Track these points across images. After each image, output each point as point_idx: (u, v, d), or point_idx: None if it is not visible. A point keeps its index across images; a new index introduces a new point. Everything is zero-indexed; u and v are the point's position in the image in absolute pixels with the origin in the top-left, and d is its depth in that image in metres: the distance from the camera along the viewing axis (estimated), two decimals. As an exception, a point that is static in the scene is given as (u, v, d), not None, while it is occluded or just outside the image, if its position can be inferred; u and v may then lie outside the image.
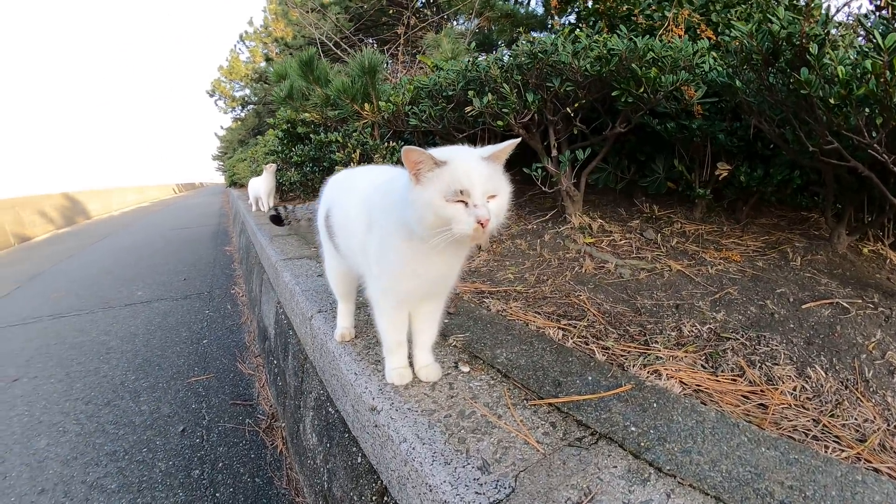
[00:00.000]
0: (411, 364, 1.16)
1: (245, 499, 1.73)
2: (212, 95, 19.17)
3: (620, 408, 1.03)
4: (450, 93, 2.51)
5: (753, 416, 1.23)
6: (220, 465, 1.92)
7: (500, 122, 2.19)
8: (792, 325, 1.59)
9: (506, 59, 2.25)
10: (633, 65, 1.79)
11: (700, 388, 1.30)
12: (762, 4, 2.35)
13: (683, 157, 2.39)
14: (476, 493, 0.75)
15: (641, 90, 1.86)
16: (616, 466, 0.84)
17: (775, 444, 0.92)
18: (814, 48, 1.29)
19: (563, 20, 3.64)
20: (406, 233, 0.95)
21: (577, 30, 2.21)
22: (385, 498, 1.02)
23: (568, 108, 2.10)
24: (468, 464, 0.82)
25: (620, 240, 2.38)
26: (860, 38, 1.89)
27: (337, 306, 1.44)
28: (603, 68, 1.86)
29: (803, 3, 1.42)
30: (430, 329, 1.15)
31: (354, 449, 1.21)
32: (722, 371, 1.39)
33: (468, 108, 2.21)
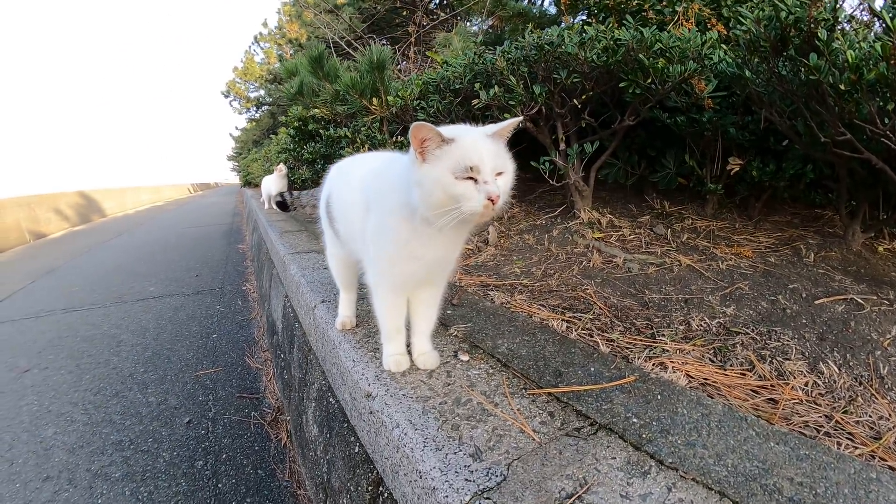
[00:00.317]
0: (410, 352, 1.15)
1: (246, 490, 1.73)
2: (227, 96, 19.41)
3: (622, 399, 1.00)
4: (457, 86, 2.49)
5: (762, 410, 1.19)
6: (224, 456, 1.92)
7: (507, 115, 2.17)
8: (804, 321, 1.54)
9: (513, 51, 2.23)
10: (641, 55, 1.75)
11: (707, 381, 1.26)
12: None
13: (694, 152, 2.34)
14: (466, 479, 0.73)
15: (649, 81, 1.82)
16: (615, 458, 0.81)
17: (785, 439, 0.88)
18: (822, 33, 1.25)
19: (574, 19, 3.61)
20: (405, 214, 0.93)
21: (588, 26, 2.18)
22: (380, 488, 1.01)
23: (575, 101, 2.07)
24: (460, 450, 0.80)
25: (630, 235, 2.34)
26: (876, 26, 1.83)
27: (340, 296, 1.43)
28: (610, 59, 1.83)
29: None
30: (429, 316, 1.14)
31: (352, 438, 1.20)
32: (731, 365, 1.35)
33: (475, 101, 2.19)
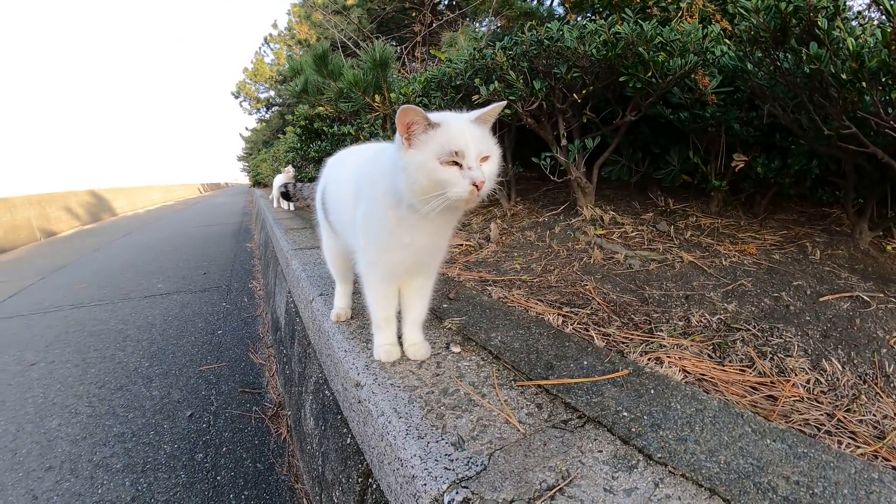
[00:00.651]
0: (402, 342, 1.14)
1: (245, 483, 1.74)
2: (237, 97, 19.62)
3: (614, 392, 0.99)
4: (458, 83, 2.49)
5: (761, 407, 1.17)
6: (224, 449, 1.93)
7: (507, 111, 2.16)
8: (808, 318, 1.51)
9: (513, 47, 2.21)
10: (640, 49, 1.73)
11: (704, 377, 1.24)
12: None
13: (698, 148, 2.31)
14: (445, 468, 0.73)
15: (649, 75, 1.80)
16: (601, 451, 0.79)
17: (782, 437, 0.86)
18: (823, 22, 1.22)
19: (579, 18, 3.59)
20: (393, 201, 0.93)
21: (591, 23, 2.17)
22: (369, 479, 1.00)
23: (575, 95, 2.05)
24: (442, 439, 0.80)
25: (632, 232, 2.31)
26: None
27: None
28: (609, 53, 1.81)
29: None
30: (420, 306, 1.13)
31: (345, 430, 1.19)
32: (730, 361, 1.33)
33: (475, 97, 2.18)
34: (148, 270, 5.30)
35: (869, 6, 2.87)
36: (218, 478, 1.76)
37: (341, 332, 1.29)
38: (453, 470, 0.72)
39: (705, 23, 2.34)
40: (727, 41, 2.01)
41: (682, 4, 2.41)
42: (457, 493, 0.67)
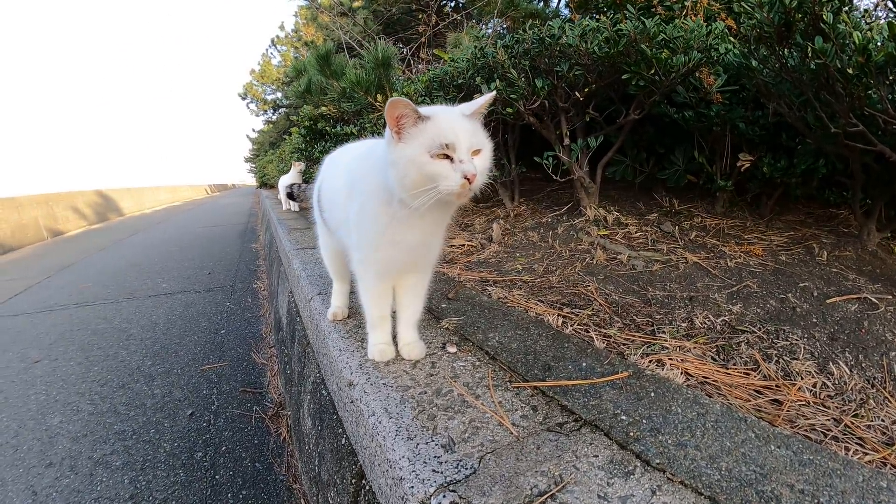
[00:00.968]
0: (397, 342, 1.13)
1: (243, 483, 1.73)
2: (244, 98, 19.73)
3: (612, 395, 0.97)
4: (459, 82, 2.47)
5: (765, 411, 1.14)
6: (224, 448, 1.93)
7: (509, 110, 2.14)
8: (815, 320, 1.48)
9: (514, 45, 2.19)
10: (643, 45, 1.71)
11: (707, 380, 1.21)
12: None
13: (703, 148, 2.28)
14: (433, 471, 0.71)
15: (652, 72, 1.77)
16: (597, 456, 0.77)
17: (787, 443, 0.83)
18: (828, 16, 1.19)
19: (584, 18, 3.56)
20: (384, 197, 0.91)
21: (594, 21, 2.15)
22: (363, 481, 0.99)
23: (577, 94, 2.03)
24: (432, 441, 0.78)
25: (636, 232, 2.28)
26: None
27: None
28: (611, 50, 1.78)
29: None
30: (415, 305, 1.12)
31: (340, 430, 1.18)
32: (734, 364, 1.30)
33: (476, 96, 2.16)
34: (153, 270, 5.33)
35: (876, 5, 2.82)
36: (216, 477, 1.76)
37: (337, 331, 1.28)
38: (441, 473, 0.71)
39: (710, 21, 2.31)
40: (732, 39, 1.98)
41: (686, 3, 2.38)
42: (444, 496, 0.66)
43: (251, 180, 32.43)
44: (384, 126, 0.89)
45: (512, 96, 2.07)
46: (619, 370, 1.07)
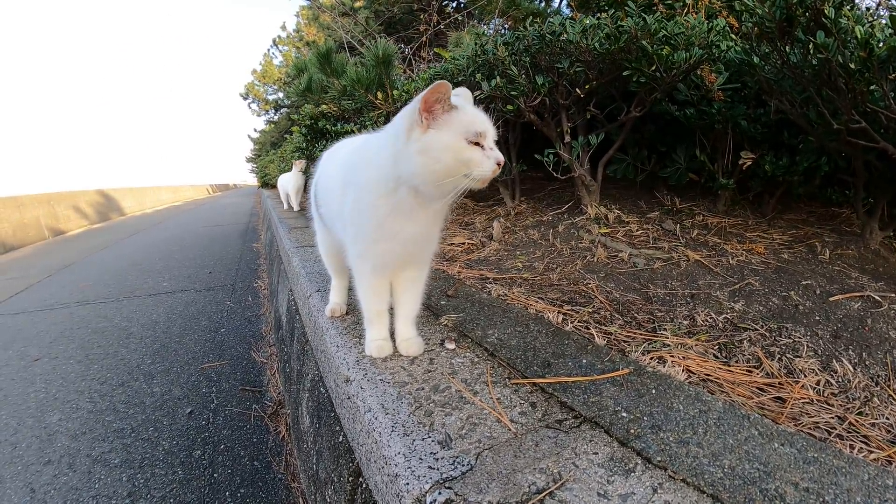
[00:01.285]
0: (394, 338, 1.12)
1: (241, 481, 1.72)
2: (245, 98, 19.73)
3: (613, 392, 0.95)
4: (460, 79, 2.46)
5: (768, 409, 1.13)
6: (222, 447, 1.92)
7: (510, 107, 2.13)
8: (818, 318, 1.47)
9: (514, 42, 2.18)
10: (644, 42, 1.69)
11: (709, 377, 1.20)
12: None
13: (705, 146, 2.26)
14: (429, 467, 0.70)
15: (653, 69, 1.76)
16: (597, 453, 0.75)
17: (791, 440, 0.81)
18: (830, 10, 1.17)
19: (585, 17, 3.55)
20: (386, 189, 0.91)
21: (595, 19, 2.13)
22: (360, 478, 0.98)
23: (578, 91, 2.01)
24: (429, 437, 0.77)
25: (637, 230, 2.27)
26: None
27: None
28: (612, 46, 1.77)
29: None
30: (412, 300, 1.11)
31: (337, 427, 1.17)
32: (736, 361, 1.29)
33: (477, 93, 2.15)
34: (154, 269, 5.32)
35: (878, 5, 2.81)
36: (215, 475, 1.75)
37: (335, 327, 1.27)
38: (438, 469, 0.69)
39: (711, 18, 2.30)
40: (733, 36, 1.96)
41: (687, 0, 2.37)
42: (440, 493, 0.64)
43: (253, 180, 32.45)
44: (384, 124, 0.89)
45: (512, 93, 2.06)
46: (620, 367, 1.06)
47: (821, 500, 0.67)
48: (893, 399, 1.19)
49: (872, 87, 1.28)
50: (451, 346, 1.14)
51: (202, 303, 3.87)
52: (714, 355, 1.31)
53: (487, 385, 0.94)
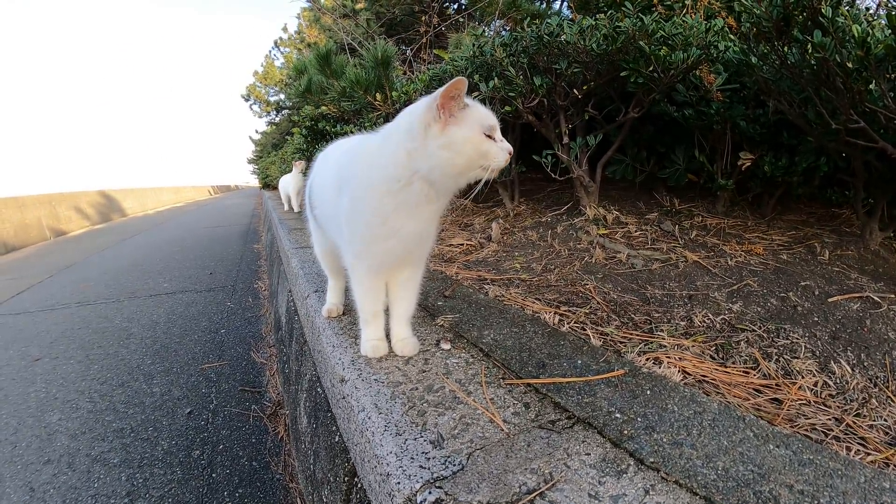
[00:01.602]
0: (390, 339, 1.12)
1: (239, 481, 1.73)
2: (247, 100, 19.79)
3: (607, 393, 0.95)
4: (459, 80, 2.46)
5: (765, 410, 1.12)
6: (221, 447, 1.92)
7: (508, 108, 2.13)
8: (816, 319, 1.46)
9: (512, 43, 2.18)
10: (642, 42, 1.69)
11: (705, 378, 1.20)
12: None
13: (704, 147, 2.26)
14: (420, 466, 0.70)
15: (651, 70, 1.76)
16: (589, 454, 0.75)
17: (787, 442, 0.81)
18: (827, 9, 1.17)
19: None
20: (388, 187, 0.92)
21: (593, 20, 2.14)
22: (355, 479, 0.98)
23: (576, 91, 2.01)
24: (421, 437, 0.77)
25: (636, 231, 2.27)
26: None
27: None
28: (610, 47, 1.77)
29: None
30: (408, 300, 1.11)
31: (334, 427, 1.17)
32: (733, 362, 1.29)
33: (475, 94, 2.16)
34: (155, 270, 5.34)
35: (879, 5, 2.80)
36: (213, 475, 1.75)
37: (331, 327, 1.27)
38: (429, 469, 0.69)
39: (710, 19, 2.30)
40: (731, 37, 1.96)
41: (686, 1, 2.37)
42: (430, 493, 0.64)
43: (254, 181, 32.49)
44: (383, 124, 0.91)
45: (511, 95, 2.06)
46: (615, 368, 1.06)
47: (816, 502, 0.67)
48: (892, 401, 1.19)
49: (871, 87, 1.28)
50: (446, 346, 1.14)
51: (203, 304, 3.88)
52: (711, 356, 1.31)
53: (481, 385, 0.95)
